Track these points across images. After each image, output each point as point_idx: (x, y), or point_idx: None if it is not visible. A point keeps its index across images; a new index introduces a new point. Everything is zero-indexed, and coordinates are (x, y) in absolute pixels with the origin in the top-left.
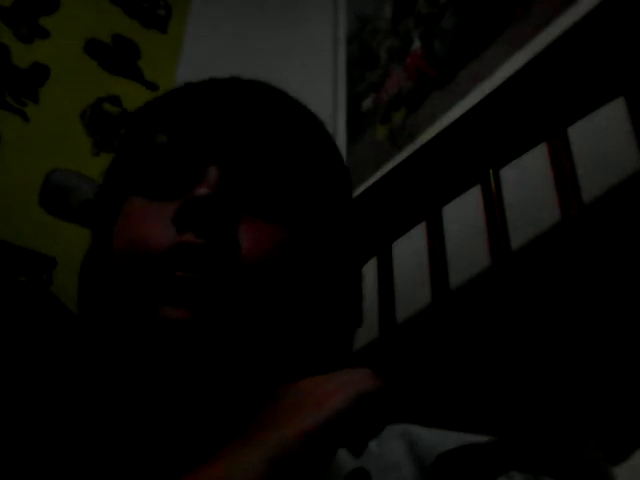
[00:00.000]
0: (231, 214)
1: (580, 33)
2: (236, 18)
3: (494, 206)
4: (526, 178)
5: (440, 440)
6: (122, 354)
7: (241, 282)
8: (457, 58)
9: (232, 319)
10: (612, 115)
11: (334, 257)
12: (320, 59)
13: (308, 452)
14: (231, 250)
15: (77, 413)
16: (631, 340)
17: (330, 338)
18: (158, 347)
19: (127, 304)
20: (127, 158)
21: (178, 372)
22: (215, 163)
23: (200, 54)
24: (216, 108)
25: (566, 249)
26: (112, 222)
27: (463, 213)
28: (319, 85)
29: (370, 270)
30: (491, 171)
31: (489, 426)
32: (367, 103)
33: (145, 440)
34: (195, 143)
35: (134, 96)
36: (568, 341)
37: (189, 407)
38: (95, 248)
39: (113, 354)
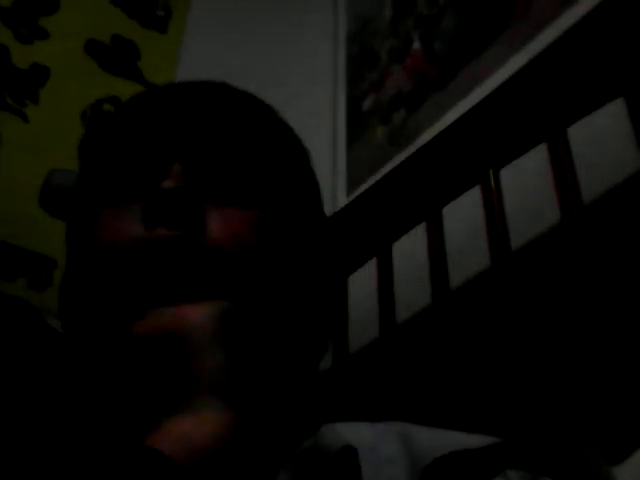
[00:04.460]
0: (198, 203)
1: (580, 33)
2: (236, 18)
3: (494, 206)
4: (526, 178)
5: (438, 441)
6: (106, 359)
7: (217, 267)
8: (457, 58)
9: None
10: (612, 115)
11: (306, 237)
12: (320, 59)
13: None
14: (203, 238)
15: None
16: (631, 340)
17: (305, 333)
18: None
19: (108, 307)
20: (94, 172)
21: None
22: (177, 160)
23: (200, 54)
24: (171, 109)
25: (566, 249)
26: (87, 235)
27: (463, 213)
28: (319, 85)
29: (370, 270)
30: (491, 171)
31: (488, 426)
32: (367, 103)
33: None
34: (156, 144)
35: None
36: (568, 341)
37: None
38: (72, 264)
39: (96, 361)
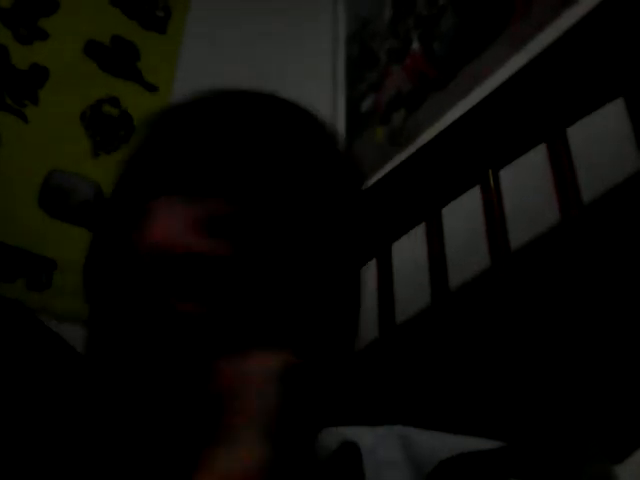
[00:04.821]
0: (261, 229)
1: (579, 34)
2: (235, 19)
3: (493, 207)
4: (525, 179)
5: (439, 445)
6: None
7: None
8: (457, 59)
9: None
10: (612, 116)
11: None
12: (320, 59)
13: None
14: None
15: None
16: (631, 340)
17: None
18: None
19: (151, 295)
20: (149, 162)
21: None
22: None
23: (199, 55)
24: (240, 124)
25: (566, 250)
26: (135, 222)
27: (463, 214)
28: (319, 85)
29: (370, 271)
30: (490, 172)
31: (488, 428)
32: (367, 104)
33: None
34: (222, 155)
35: (133, 97)
36: (568, 341)
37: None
38: (110, 246)
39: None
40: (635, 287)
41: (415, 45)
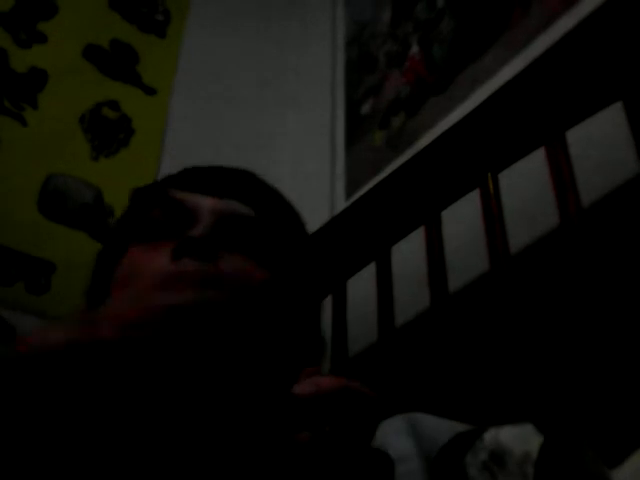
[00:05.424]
0: (217, 247)
1: (578, 37)
2: (234, 23)
3: (493, 210)
4: (525, 182)
5: (443, 429)
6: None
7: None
8: (455, 63)
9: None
10: (610, 119)
11: (297, 294)
12: (319, 63)
13: None
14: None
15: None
16: (630, 342)
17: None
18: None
19: None
20: (131, 219)
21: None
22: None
23: (198, 59)
24: (206, 181)
25: (565, 253)
26: (115, 264)
27: (462, 217)
28: (318, 89)
29: (369, 274)
30: (490, 175)
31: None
32: (366, 107)
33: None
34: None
35: (133, 100)
36: (567, 344)
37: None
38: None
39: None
40: (634, 290)
41: (414, 49)
